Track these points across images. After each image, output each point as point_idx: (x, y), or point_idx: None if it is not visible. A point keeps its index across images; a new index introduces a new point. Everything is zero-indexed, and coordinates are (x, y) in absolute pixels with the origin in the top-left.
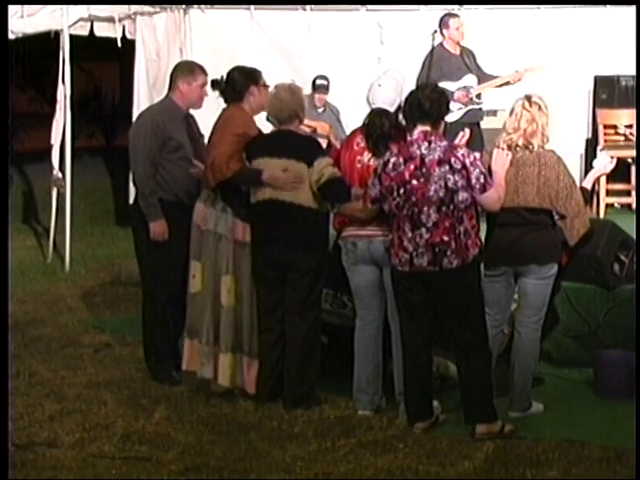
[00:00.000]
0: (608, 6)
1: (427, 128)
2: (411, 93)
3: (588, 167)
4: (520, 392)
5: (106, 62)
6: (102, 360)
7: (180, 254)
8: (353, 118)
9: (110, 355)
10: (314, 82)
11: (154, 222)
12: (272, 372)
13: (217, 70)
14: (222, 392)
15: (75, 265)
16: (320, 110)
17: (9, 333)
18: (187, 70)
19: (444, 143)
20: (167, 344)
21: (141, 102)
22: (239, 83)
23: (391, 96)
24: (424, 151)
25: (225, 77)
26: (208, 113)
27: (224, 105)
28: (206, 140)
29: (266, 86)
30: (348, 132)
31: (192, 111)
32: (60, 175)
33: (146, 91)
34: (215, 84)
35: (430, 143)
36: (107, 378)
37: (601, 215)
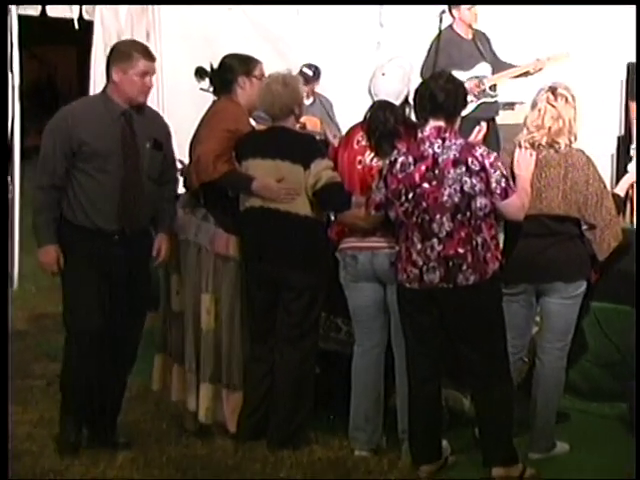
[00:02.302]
0: None
1: (441, 123)
2: (422, 83)
3: (620, 168)
4: (542, 430)
5: (61, 46)
6: (56, 394)
7: (88, 296)
8: (348, 112)
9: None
10: (302, 71)
11: (40, 248)
12: (258, 407)
13: (191, 57)
14: (197, 429)
15: (24, 282)
16: (308, 102)
17: (9, 333)
18: (122, 54)
19: (460, 141)
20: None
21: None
22: (229, 73)
23: (397, 87)
24: (437, 150)
25: (217, 65)
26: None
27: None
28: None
29: (259, 78)
30: (343, 128)
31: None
32: (9, 178)
33: (103, 80)
34: (200, 73)
35: (444, 141)
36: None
37: (634, 225)
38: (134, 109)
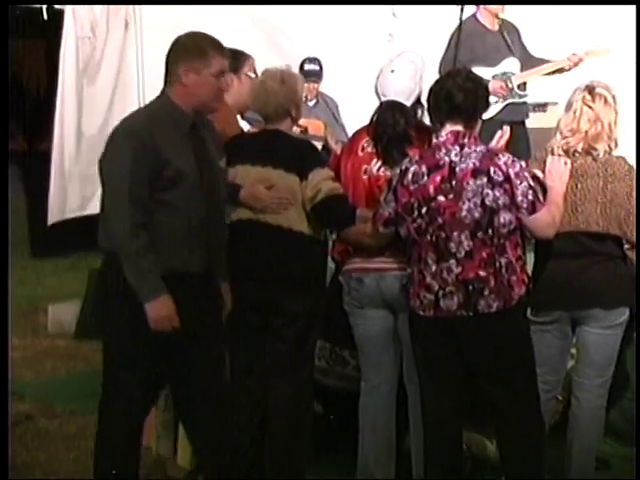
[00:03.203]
0: None
1: (459, 127)
2: (438, 82)
3: None
4: (580, 478)
5: (28, 40)
6: (21, 437)
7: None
8: (355, 114)
9: (32, 430)
10: (302, 67)
11: (152, 301)
12: (248, 450)
13: None
14: (182, 477)
15: None
16: (311, 103)
17: (9, 333)
18: (193, 50)
19: (481, 147)
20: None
21: (66, 93)
22: None
23: (408, 85)
24: (454, 158)
25: None
26: None
27: None
28: None
29: (249, 75)
30: (350, 132)
31: None
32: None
33: (73, 78)
34: None
35: (462, 147)
36: (28, 460)
37: None
38: (198, 117)
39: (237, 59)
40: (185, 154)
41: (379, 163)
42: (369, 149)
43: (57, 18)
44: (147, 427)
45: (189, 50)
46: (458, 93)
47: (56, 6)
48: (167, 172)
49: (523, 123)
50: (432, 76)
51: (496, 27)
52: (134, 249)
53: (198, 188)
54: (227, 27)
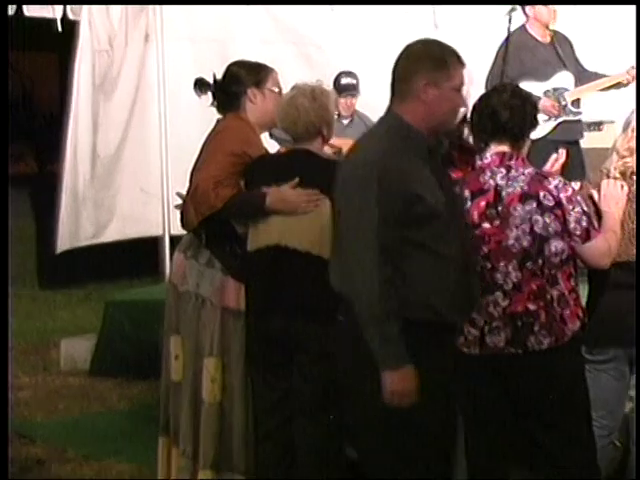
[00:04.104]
0: None
1: (505, 148)
2: (482, 98)
3: None
4: None
5: (40, 53)
6: None
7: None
8: None
9: (43, 476)
10: (338, 81)
11: (395, 372)
12: None
13: (199, 64)
14: None
15: None
16: (345, 121)
17: (9, 332)
18: (434, 60)
19: (529, 170)
20: None
21: (80, 111)
22: (235, 84)
23: None
24: (500, 181)
25: (222, 75)
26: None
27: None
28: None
29: (273, 90)
30: None
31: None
32: None
33: (88, 94)
34: (200, 86)
35: (509, 170)
36: None
37: None
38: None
39: (259, 73)
40: (431, 185)
41: None
42: None
43: (71, 30)
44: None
45: (428, 60)
46: (504, 111)
47: (71, 17)
48: (417, 209)
49: (577, 143)
50: (478, 92)
51: (547, 39)
52: (383, 313)
53: (451, 226)
54: (253, 38)
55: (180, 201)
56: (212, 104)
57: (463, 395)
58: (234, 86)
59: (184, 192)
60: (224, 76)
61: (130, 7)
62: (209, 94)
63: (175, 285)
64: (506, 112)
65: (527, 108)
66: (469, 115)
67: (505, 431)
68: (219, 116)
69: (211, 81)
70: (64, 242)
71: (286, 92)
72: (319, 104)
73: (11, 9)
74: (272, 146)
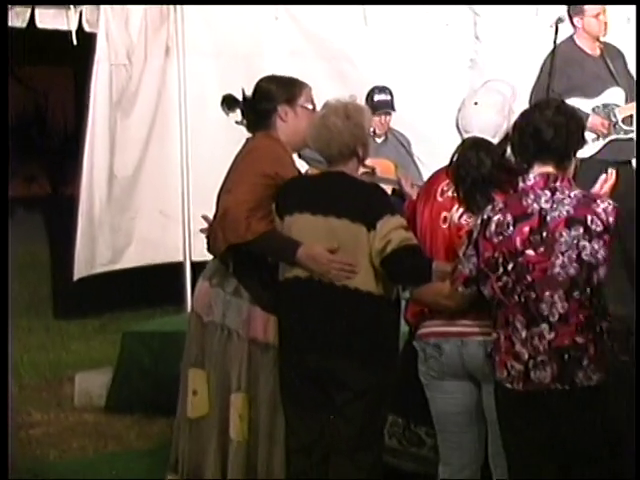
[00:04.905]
0: None
1: (549, 169)
2: (524, 115)
3: None
4: None
5: (54, 68)
6: None
7: None
8: (432, 152)
9: None
10: (371, 97)
11: None
12: None
13: (223, 79)
14: None
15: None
16: (379, 140)
17: (9, 331)
18: None
19: (576, 192)
20: None
21: (97, 129)
22: (266, 101)
23: (494, 120)
24: (545, 205)
25: (252, 92)
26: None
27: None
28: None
29: (306, 107)
30: (424, 174)
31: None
32: None
33: (105, 111)
34: (229, 103)
35: (554, 192)
36: None
37: None
38: None
39: (291, 89)
40: None
41: (461, 210)
42: (449, 194)
43: (87, 43)
44: None
45: None
46: (547, 129)
47: (87, 29)
48: None
49: (629, 163)
50: (521, 110)
51: (597, 52)
52: None
53: None
54: (281, 51)
55: (205, 224)
56: (241, 122)
57: (506, 432)
58: (264, 103)
59: (210, 215)
60: (254, 92)
61: (150, 18)
62: (237, 111)
63: (199, 315)
64: (550, 130)
65: (572, 126)
66: (511, 133)
67: (553, 472)
68: (245, 135)
69: (240, 98)
70: (80, 268)
71: (318, 110)
72: (353, 123)
73: (22, 21)
74: (301, 166)
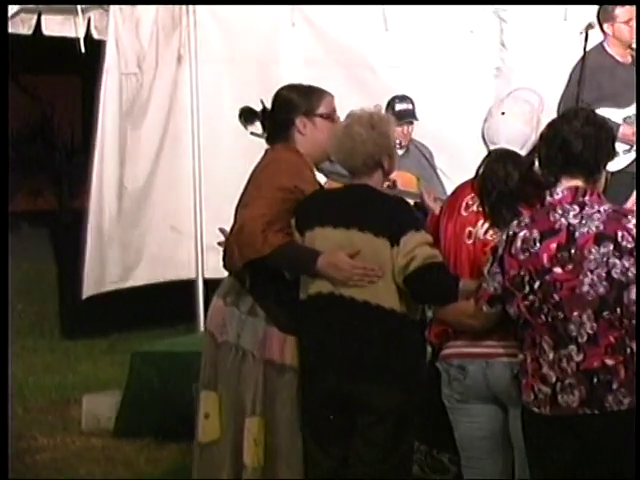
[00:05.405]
0: None
1: (578, 183)
2: (551, 126)
3: None
4: None
5: (62, 77)
6: None
7: None
8: (456, 165)
9: None
10: (392, 107)
11: None
12: None
13: (238, 88)
14: None
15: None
16: (401, 152)
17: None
18: None
19: (606, 207)
20: None
21: (106, 140)
22: (286, 111)
23: (522, 130)
24: (573, 220)
25: (271, 101)
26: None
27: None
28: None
29: (327, 117)
30: (448, 187)
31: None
32: None
33: (115, 122)
34: (246, 116)
35: (583, 207)
36: None
37: None
38: None
39: (312, 98)
40: None
41: (486, 225)
42: (474, 208)
43: (96, 50)
44: None
45: None
46: (576, 140)
47: (95, 36)
48: None
49: None
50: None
51: (628, 59)
52: None
53: None
54: (297, 58)
55: (222, 237)
56: (257, 134)
57: (533, 458)
58: (284, 113)
59: (227, 228)
60: (273, 102)
61: (161, 25)
62: (257, 123)
63: (213, 335)
64: (578, 142)
65: (602, 137)
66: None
67: None
68: (260, 145)
69: (256, 108)
70: (89, 286)
71: (340, 120)
72: (378, 133)
73: (28, 28)
74: (320, 179)
